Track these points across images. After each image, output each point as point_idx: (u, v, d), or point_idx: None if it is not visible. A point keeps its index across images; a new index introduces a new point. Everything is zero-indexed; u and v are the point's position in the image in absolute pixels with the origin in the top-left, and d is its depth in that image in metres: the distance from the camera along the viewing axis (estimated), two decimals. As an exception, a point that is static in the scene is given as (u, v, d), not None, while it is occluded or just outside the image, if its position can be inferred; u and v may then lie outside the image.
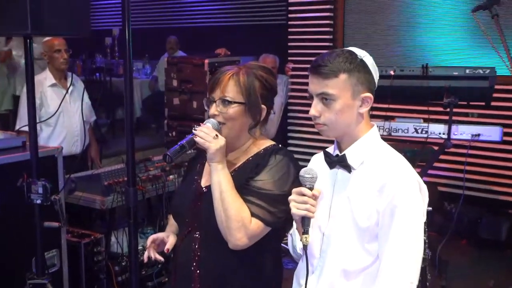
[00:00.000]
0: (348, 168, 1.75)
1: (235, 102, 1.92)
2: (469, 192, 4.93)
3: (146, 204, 3.98)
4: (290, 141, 6.03)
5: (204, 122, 1.92)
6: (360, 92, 1.71)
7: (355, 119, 1.74)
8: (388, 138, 3.87)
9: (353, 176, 1.75)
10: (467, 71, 3.57)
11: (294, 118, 6.04)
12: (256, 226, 1.87)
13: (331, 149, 1.87)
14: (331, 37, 5.76)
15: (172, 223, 2.16)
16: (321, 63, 1.70)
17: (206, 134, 1.86)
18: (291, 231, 1.92)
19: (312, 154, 6.72)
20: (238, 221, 1.84)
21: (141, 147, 6.28)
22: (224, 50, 5.33)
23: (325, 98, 1.70)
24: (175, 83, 4.88)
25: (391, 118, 3.95)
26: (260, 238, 1.89)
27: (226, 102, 1.92)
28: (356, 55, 1.72)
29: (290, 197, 1.72)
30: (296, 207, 1.69)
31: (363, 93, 1.72)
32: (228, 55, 5.30)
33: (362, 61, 1.72)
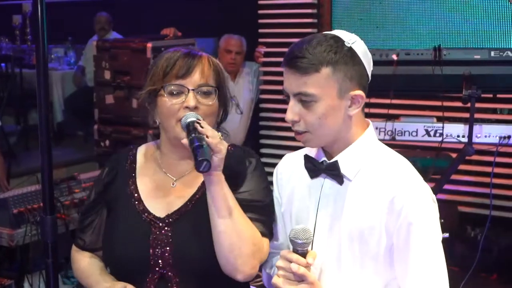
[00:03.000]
0: (340, 179, 1.79)
1: (217, 92, 2.00)
2: (498, 212, 4.98)
3: (70, 237, 3.92)
4: (263, 150, 6.03)
5: (185, 118, 1.92)
6: (349, 89, 1.75)
7: (344, 123, 1.78)
8: (392, 144, 3.90)
9: (348, 189, 1.79)
10: (493, 53, 3.61)
11: (267, 119, 6.05)
12: (267, 247, 1.96)
13: (312, 151, 1.90)
14: (315, 11, 5.79)
15: (101, 274, 2.09)
16: (298, 54, 1.72)
17: (213, 133, 1.88)
18: (268, 269, 1.97)
19: (292, 166, 6.47)
20: (255, 243, 1.90)
21: (64, 162, 6.22)
22: (173, 30, 5.33)
23: (305, 100, 1.73)
24: (107, 75, 4.85)
25: (395, 117, 3.98)
26: None
27: (209, 92, 1.98)
28: (342, 41, 1.75)
29: (278, 264, 1.76)
30: (287, 277, 1.73)
31: (353, 91, 1.76)
32: (178, 36, 5.30)
33: (350, 49, 1.75)
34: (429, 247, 1.74)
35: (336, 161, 1.79)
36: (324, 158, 1.83)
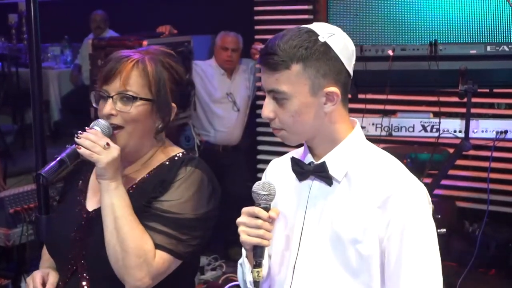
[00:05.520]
0: (329, 180, 1.76)
1: (141, 99, 1.94)
2: (496, 207, 4.98)
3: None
4: (260, 147, 6.02)
5: (90, 126, 1.93)
6: (322, 86, 1.70)
7: (320, 120, 1.73)
8: (389, 140, 3.89)
9: (336, 190, 1.76)
10: (489, 48, 3.61)
11: (264, 116, 6.02)
12: (161, 261, 1.90)
13: (298, 153, 1.88)
14: (311, 7, 5.78)
15: (48, 258, 2.16)
16: (270, 50, 1.69)
17: (93, 143, 1.87)
18: (240, 261, 1.92)
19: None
20: (139, 256, 1.86)
21: (61, 161, 6.20)
22: (168, 27, 5.30)
23: (277, 97, 1.71)
24: (103, 73, 4.83)
25: (392, 112, 3.98)
26: (168, 274, 1.93)
27: (128, 99, 1.94)
28: (317, 36, 1.70)
29: (239, 220, 1.73)
30: (246, 233, 1.71)
31: (327, 87, 1.70)
32: (174, 34, 5.28)
33: (324, 44, 1.69)
34: (423, 254, 1.68)
35: (324, 162, 1.75)
36: (312, 160, 1.80)
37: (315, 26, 1.73)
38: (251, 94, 5.84)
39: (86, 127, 1.91)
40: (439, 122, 3.67)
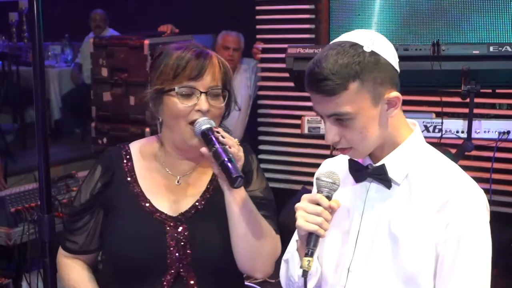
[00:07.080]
0: (388, 183, 1.73)
1: (227, 94, 2.00)
2: (498, 207, 4.99)
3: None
4: (261, 147, 6.01)
5: (197, 123, 1.92)
6: (382, 94, 1.67)
7: (386, 127, 1.71)
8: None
9: (395, 193, 1.73)
10: (492, 48, 3.61)
11: (265, 115, 6.03)
12: (280, 243, 2.02)
13: None
14: (312, 6, 5.78)
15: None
16: (320, 76, 1.64)
17: (232, 142, 1.90)
18: (284, 257, 1.91)
19: (290, 162, 6.70)
20: (272, 243, 1.97)
21: (62, 160, 6.23)
22: (170, 27, 5.32)
23: (341, 119, 1.67)
24: (104, 72, 4.84)
25: (394, 112, 3.98)
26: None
27: (218, 94, 1.98)
28: (361, 47, 1.66)
29: (298, 204, 1.70)
30: (304, 219, 1.67)
31: (387, 93, 1.68)
32: (176, 33, 5.29)
33: (372, 53, 1.66)
34: (477, 261, 1.65)
35: (383, 165, 1.72)
36: (370, 162, 1.77)
37: (354, 37, 1.70)
38: (252, 93, 5.84)
39: (213, 127, 1.91)
40: (442, 123, 3.67)
